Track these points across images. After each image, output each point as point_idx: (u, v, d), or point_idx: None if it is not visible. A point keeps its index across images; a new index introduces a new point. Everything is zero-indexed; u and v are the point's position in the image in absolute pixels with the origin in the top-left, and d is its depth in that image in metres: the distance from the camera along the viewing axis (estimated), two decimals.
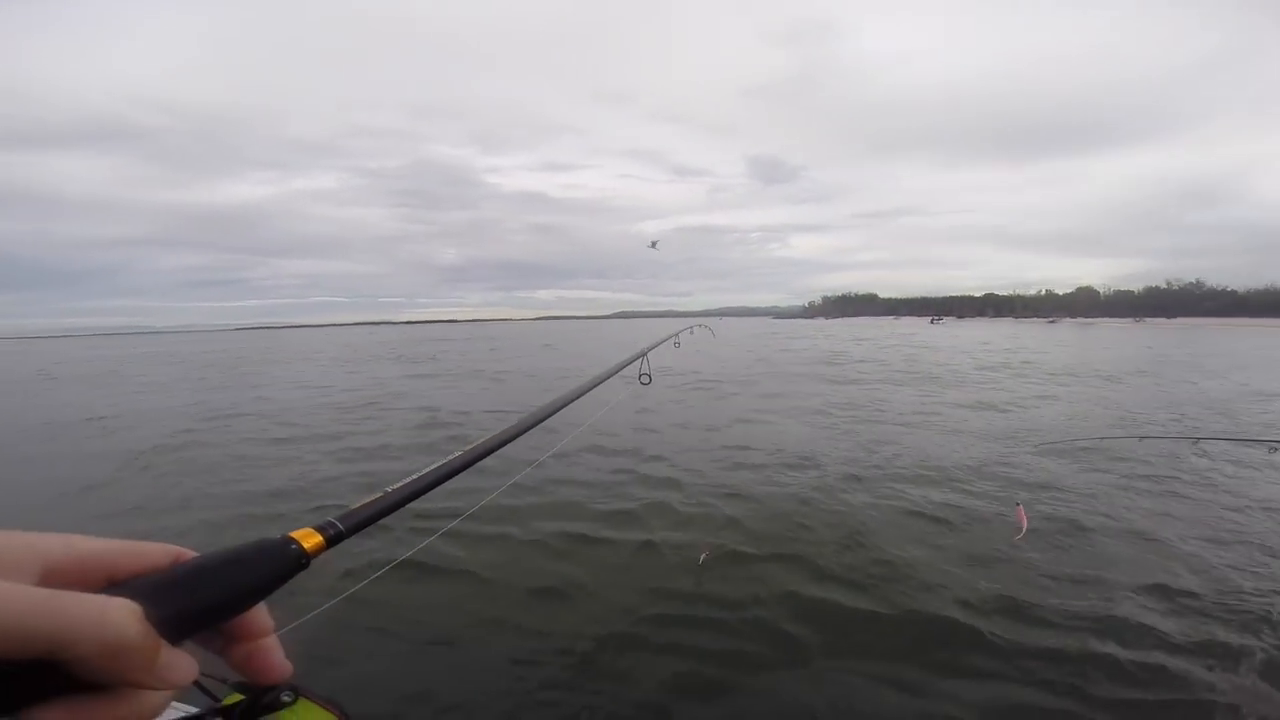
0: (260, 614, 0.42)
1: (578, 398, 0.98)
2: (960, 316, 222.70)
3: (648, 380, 1.38)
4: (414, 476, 0.62)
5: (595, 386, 1.06)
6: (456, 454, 0.72)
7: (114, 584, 0.35)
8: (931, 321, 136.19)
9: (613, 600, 3.85)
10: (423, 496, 0.63)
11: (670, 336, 1.51)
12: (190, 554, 0.40)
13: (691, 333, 1.45)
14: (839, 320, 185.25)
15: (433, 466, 0.65)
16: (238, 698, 0.41)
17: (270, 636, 0.42)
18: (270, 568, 0.42)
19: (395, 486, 0.58)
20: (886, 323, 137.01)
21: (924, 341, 40.31)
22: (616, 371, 1.22)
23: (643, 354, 1.33)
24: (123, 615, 0.30)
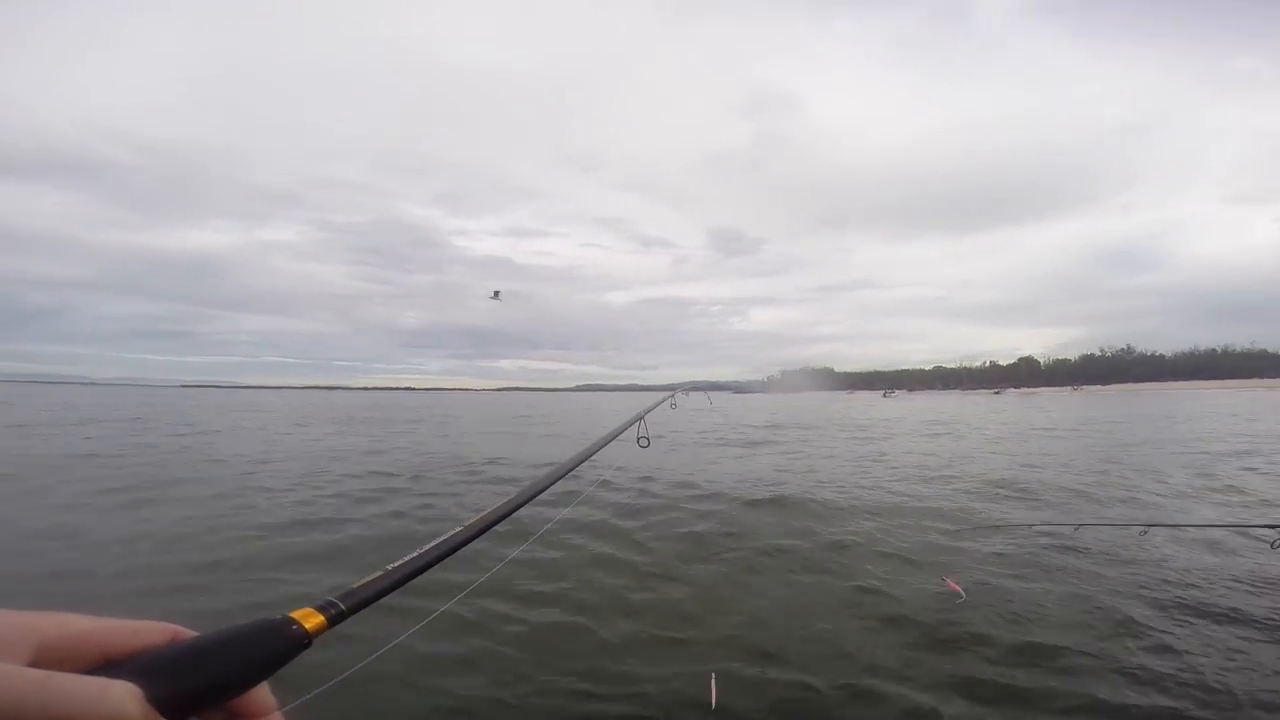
0: (263, 694, 0.42)
1: (578, 465, 0.98)
2: (911, 390, 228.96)
3: (646, 444, 1.41)
4: (417, 553, 0.60)
5: (596, 451, 1.07)
6: (459, 528, 0.70)
7: (110, 663, 0.35)
8: (884, 395, 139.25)
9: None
10: (425, 573, 0.60)
11: (666, 398, 1.56)
12: (188, 633, 0.40)
13: (687, 395, 1.51)
14: (797, 394, 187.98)
15: (435, 542, 0.64)
16: None
17: (274, 715, 0.42)
18: (271, 648, 0.42)
19: (397, 564, 0.57)
20: (842, 396, 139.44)
21: (880, 415, 41.09)
22: (616, 435, 1.24)
23: (639, 417, 1.36)
24: (122, 696, 0.29)
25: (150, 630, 0.37)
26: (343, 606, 0.49)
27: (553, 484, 0.93)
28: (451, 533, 0.67)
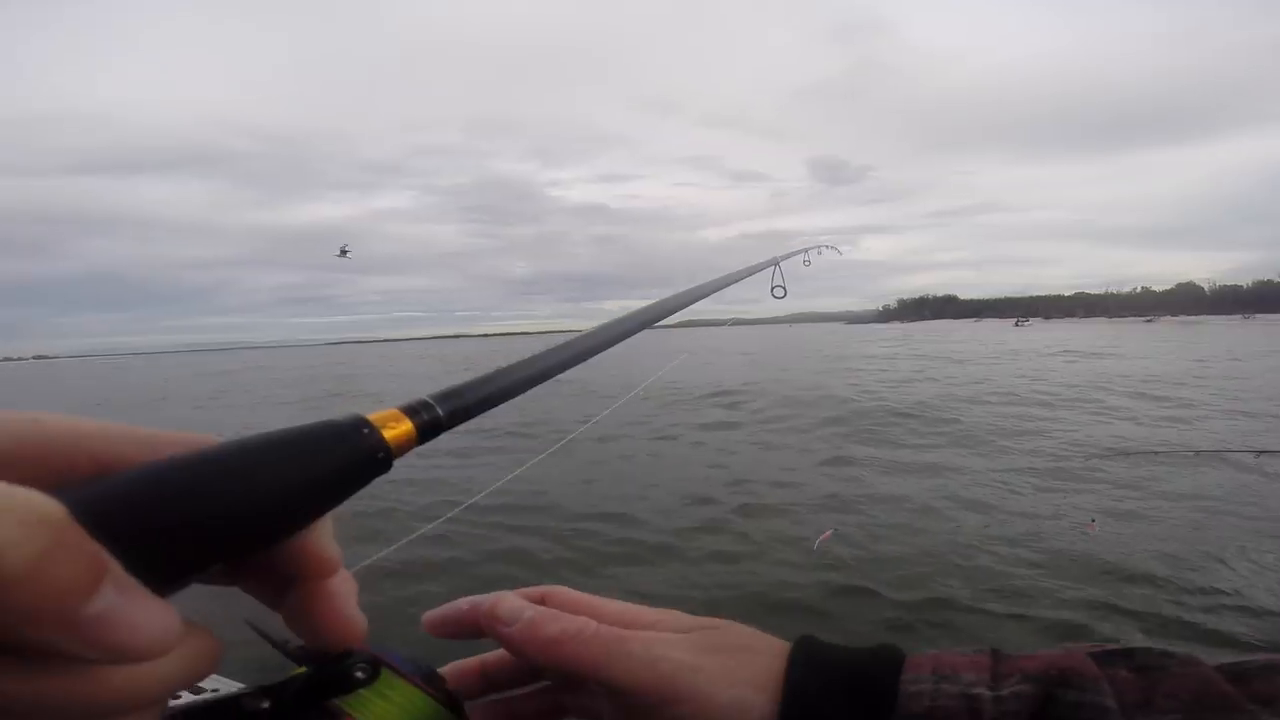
0: (323, 540, 0.26)
1: (714, 292, 0.80)
2: (1048, 317, 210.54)
3: (782, 294, 1.24)
4: (535, 354, 0.43)
5: (731, 284, 0.88)
6: (583, 334, 0.52)
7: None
8: (1016, 324, 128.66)
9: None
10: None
11: (801, 251, 1.34)
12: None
13: (820, 253, 1.31)
14: (916, 325, 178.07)
15: (554, 347, 0.46)
16: (299, 671, 0.29)
17: (339, 576, 0.27)
18: (330, 464, 0.25)
19: (510, 365, 0.40)
20: (963, 326, 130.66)
21: (1004, 347, 37.74)
22: (750, 274, 1.06)
23: (775, 262, 1.17)
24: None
25: (175, 441, 0.23)
26: (440, 412, 0.30)
27: (686, 305, 0.74)
28: (580, 335, 0.50)
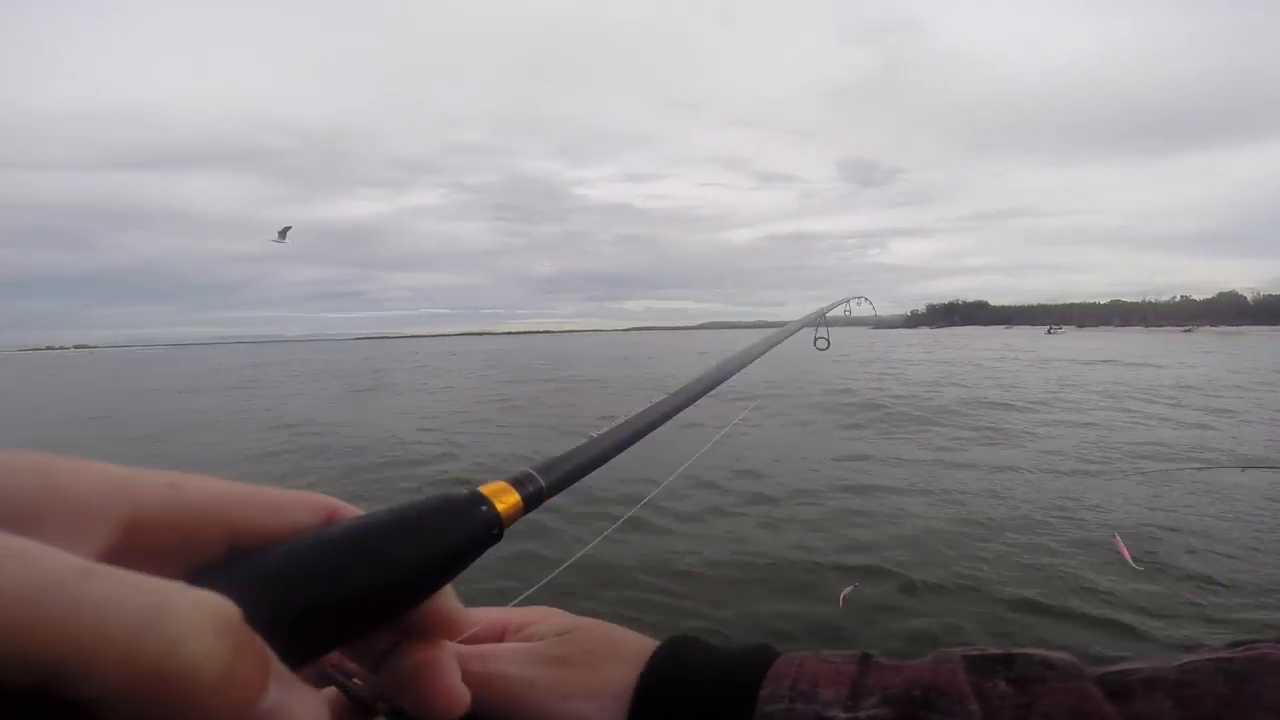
0: (451, 602, 0.28)
1: (759, 356, 0.85)
2: (1081, 325, 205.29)
3: (825, 345, 1.28)
4: (618, 423, 0.45)
5: (779, 343, 0.93)
6: (659, 400, 0.55)
7: (235, 550, 0.22)
8: (1048, 331, 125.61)
9: None
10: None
11: (842, 301, 1.39)
12: (351, 510, 0.26)
13: (860, 304, 1.36)
14: (944, 331, 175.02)
15: (636, 413, 0.49)
16: None
17: (447, 648, 0.29)
18: (457, 537, 0.27)
19: (601, 434, 0.42)
20: (993, 333, 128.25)
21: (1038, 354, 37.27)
22: (795, 331, 1.10)
23: (821, 314, 1.22)
24: (192, 623, 0.15)
25: (301, 505, 0.24)
26: (542, 483, 0.32)
27: (741, 369, 0.79)
28: (656, 403, 0.53)
